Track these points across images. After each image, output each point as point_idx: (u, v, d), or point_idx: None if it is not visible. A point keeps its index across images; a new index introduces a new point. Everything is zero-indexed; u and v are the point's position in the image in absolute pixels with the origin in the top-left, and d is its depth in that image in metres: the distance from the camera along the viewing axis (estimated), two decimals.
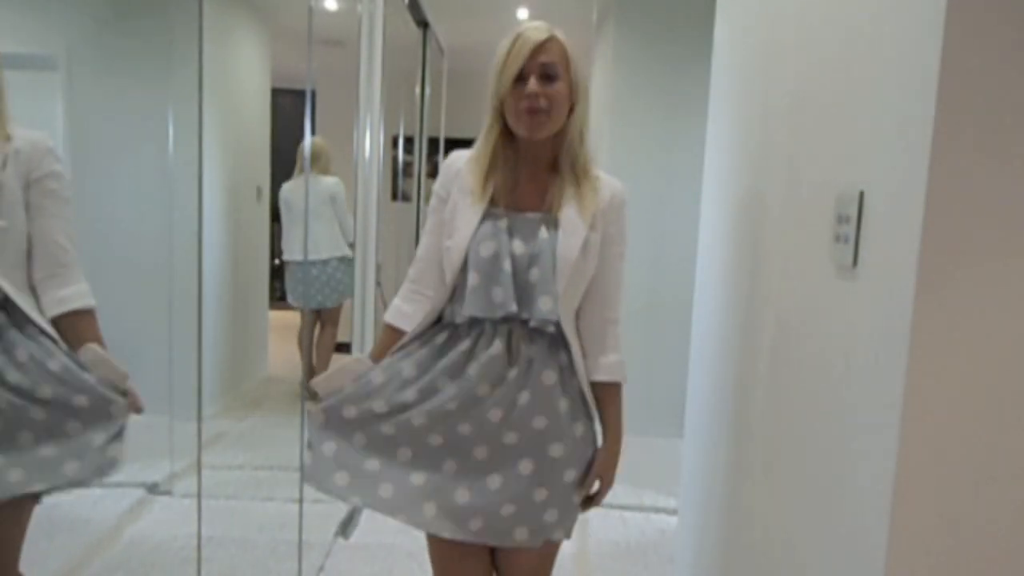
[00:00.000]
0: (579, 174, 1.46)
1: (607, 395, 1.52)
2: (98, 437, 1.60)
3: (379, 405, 1.45)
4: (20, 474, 1.54)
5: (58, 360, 1.56)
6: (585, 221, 1.43)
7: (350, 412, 1.47)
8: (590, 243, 1.44)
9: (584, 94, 1.45)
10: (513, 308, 1.39)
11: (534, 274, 1.40)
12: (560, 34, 1.43)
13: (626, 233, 1.51)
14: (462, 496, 1.42)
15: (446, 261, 1.46)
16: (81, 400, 1.58)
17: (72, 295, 1.62)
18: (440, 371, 1.43)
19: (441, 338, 1.46)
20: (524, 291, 1.41)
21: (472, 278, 1.40)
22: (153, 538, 2.69)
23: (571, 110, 1.44)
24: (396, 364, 1.47)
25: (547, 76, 1.39)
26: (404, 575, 2.53)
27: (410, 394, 1.43)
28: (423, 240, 1.55)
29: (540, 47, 1.39)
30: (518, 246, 1.42)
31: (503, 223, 1.42)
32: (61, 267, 1.62)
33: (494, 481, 1.42)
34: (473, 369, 1.41)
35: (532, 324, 1.40)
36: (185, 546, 2.60)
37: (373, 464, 1.45)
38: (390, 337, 1.54)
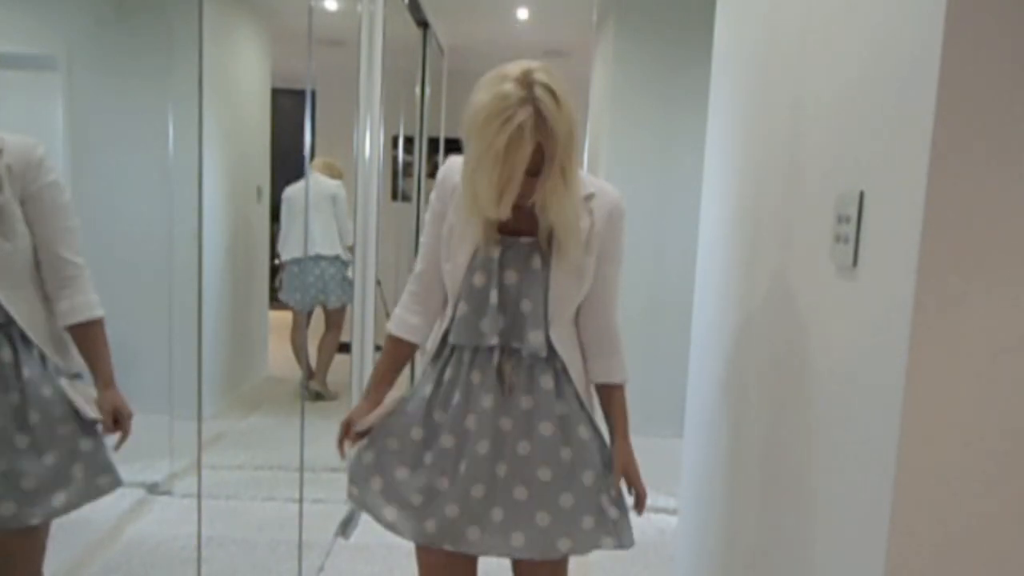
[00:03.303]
0: (571, 198, 1.38)
1: (610, 395, 1.54)
2: (78, 467, 1.63)
3: (416, 432, 1.47)
4: (13, 507, 1.55)
5: (50, 385, 1.59)
6: (580, 248, 1.41)
7: (392, 444, 1.49)
8: (585, 268, 1.42)
9: (572, 143, 1.30)
10: (495, 341, 1.40)
11: (525, 305, 1.41)
12: (549, 94, 1.25)
13: (624, 244, 1.49)
14: (497, 515, 1.43)
15: (447, 284, 1.47)
16: (64, 430, 1.61)
17: (77, 307, 1.63)
18: (448, 383, 1.45)
19: (446, 354, 1.48)
20: (515, 321, 1.42)
21: (461, 308, 1.42)
22: (153, 538, 2.69)
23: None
24: (420, 387, 1.50)
25: (537, 169, 1.30)
26: (404, 575, 2.53)
27: (438, 415, 1.46)
28: (422, 252, 1.54)
29: (526, 153, 1.25)
30: (509, 276, 1.41)
31: (495, 251, 1.41)
32: (68, 279, 1.62)
33: (520, 493, 1.42)
34: (476, 378, 1.42)
35: (524, 353, 1.42)
36: (185, 546, 2.60)
37: (417, 499, 1.45)
38: (398, 349, 1.55)
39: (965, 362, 0.94)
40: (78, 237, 1.65)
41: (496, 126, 1.24)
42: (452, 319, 1.46)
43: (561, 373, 1.46)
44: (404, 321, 1.55)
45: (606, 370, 1.52)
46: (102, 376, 1.67)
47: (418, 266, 1.56)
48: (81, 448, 1.63)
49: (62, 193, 1.61)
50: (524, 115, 1.23)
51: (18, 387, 1.55)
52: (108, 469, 1.69)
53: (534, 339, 1.40)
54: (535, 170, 1.29)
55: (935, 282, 0.93)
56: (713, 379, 1.95)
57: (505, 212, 1.31)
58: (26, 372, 1.56)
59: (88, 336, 1.65)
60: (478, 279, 1.41)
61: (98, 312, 1.66)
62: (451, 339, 1.45)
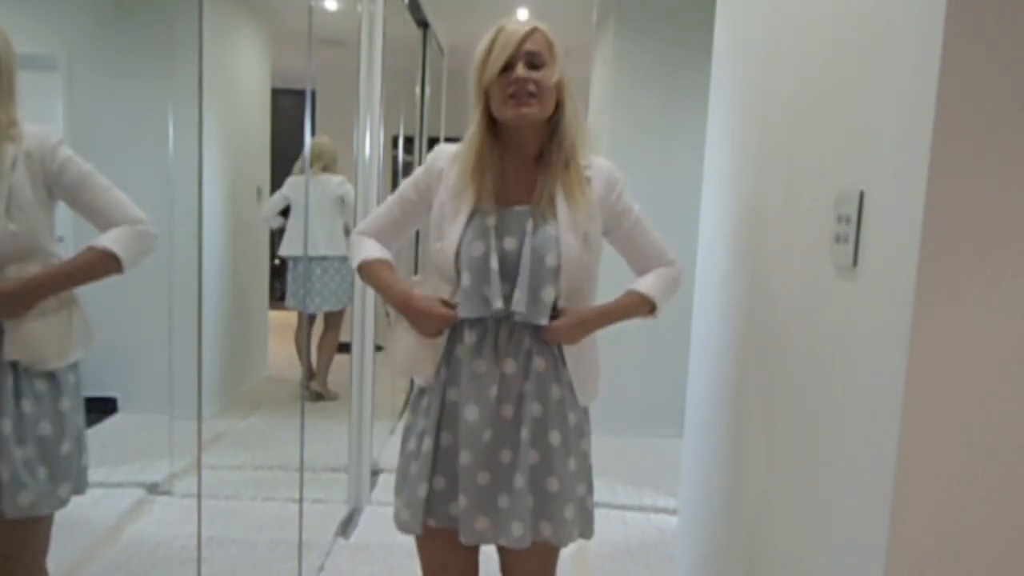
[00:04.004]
0: (569, 166, 1.46)
1: (627, 295, 1.54)
2: (43, 470, 1.59)
3: (426, 423, 1.48)
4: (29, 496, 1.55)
5: (35, 378, 1.58)
6: (582, 214, 1.44)
7: (410, 444, 1.51)
8: (590, 234, 1.45)
9: (571, 86, 1.46)
10: (499, 305, 1.40)
11: (524, 270, 1.41)
12: (544, 27, 1.44)
13: (632, 201, 1.54)
14: (503, 502, 1.44)
15: (439, 264, 1.46)
16: (45, 428, 1.59)
17: (99, 238, 1.61)
18: (453, 371, 1.45)
19: (448, 335, 1.48)
20: (516, 287, 1.41)
21: (465, 279, 1.42)
22: (153, 538, 2.69)
23: (558, 104, 1.45)
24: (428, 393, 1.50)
25: (533, 64, 1.41)
26: (404, 575, 2.53)
27: (436, 410, 1.47)
28: (384, 209, 1.58)
29: (525, 37, 1.41)
30: (508, 242, 1.42)
31: (491, 220, 1.43)
32: (120, 224, 1.63)
33: (519, 480, 1.43)
34: (480, 367, 1.43)
35: (516, 319, 1.41)
36: (185, 546, 2.60)
37: (423, 490, 1.46)
38: (384, 267, 1.54)
39: (965, 362, 0.94)
40: (119, 194, 1.66)
41: (496, 28, 1.43)
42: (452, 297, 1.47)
43: (558, 358, 1.46)
44: (379, 249, 1.56)
45: (643, 282, 1.55)
46: (51, 272, 1.57)
47: (377, 216, 1.58)
48: (53, 451, 1.60)
49: (83, 163, 1.63)
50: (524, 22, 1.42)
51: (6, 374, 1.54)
52: (70, 479, 1.64)
53: (517, 296, 1.39)
54: (538, 61, 1.40)
55: (935, 282, 0.93)
56: (713, 379, 1.95)
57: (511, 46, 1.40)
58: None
59: (84, 253, 1.60)
60: (476, 248, 1.41)
61: (107, 244, 1.59)
62: (462, 312, 1.43)
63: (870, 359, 1.05)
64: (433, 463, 1.46)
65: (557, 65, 1.43)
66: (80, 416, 1.68)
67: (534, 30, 1.42)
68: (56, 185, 1.60)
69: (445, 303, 1.45)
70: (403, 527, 1.49)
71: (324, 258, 4.12)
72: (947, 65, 0.90)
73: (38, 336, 1.56)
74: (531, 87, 1.39)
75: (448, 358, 1.47)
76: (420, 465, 1.46)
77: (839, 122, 1.21)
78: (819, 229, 1.25)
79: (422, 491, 1.45)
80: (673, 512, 2.95)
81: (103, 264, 1.60)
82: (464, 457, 1.43)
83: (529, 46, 1.41)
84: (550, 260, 1.40)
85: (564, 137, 1.46)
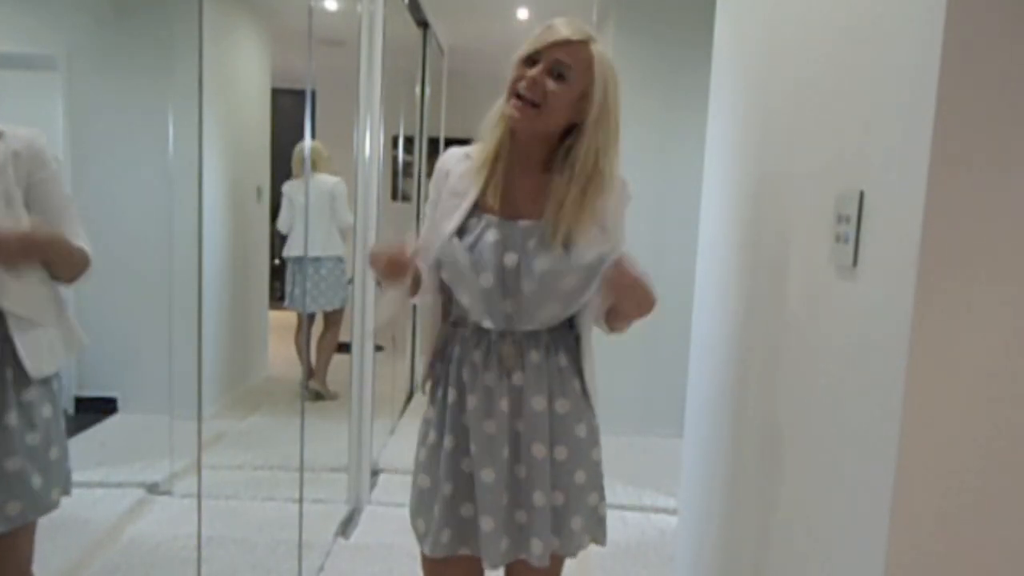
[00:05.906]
0: (581, 184, 1.36)
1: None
2: (37, 477, 1.59)
3: (432, 438, 1.45)
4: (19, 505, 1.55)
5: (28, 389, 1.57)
6: (598, 228, 1.38)
7: (422, 454, 1.48)
8: (589, 259, 1.37)
9: (604, 116, 1.33)
10: (490, 324, 1.38)
11: (528, 286, 1.36)
12: (599, 47, 1.33)
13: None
14: (521, 517, 1.42)
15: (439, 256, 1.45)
16: (33, 438, 1.58)
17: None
18: (467, 388, 1.42)
19: (456, 352, 1.44)
20: (518, 304, 1.38)
21: (478, 281, 1.39)
22: (153, 538, 2.69)
23: (577, 127, 1.35)
24: (439, 400, 1.47)
25: (556, 73, 1.31)
26: (404, 575, 2.53)
27: (453, 424, 1.43)
28: (422, 235, 1.54)
29: (565, 42, 1.30)
30: (509, 258, 1.36)
31: (493, 235, 1.38)
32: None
33: (539, 498, 1.41)
34: (489, 380, 1.40)
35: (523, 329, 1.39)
36: (185, 546, 2.60)
37: (443, 511, 1.43)
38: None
39: (965, 362, 0.94)
40: (79, 222, 1.65)
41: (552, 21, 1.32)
42: (456, 304, 1.44)
43: (566, 368, 1.43)
44: None
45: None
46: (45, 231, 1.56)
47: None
48: (42, 459, 1.59)
49: (61, 182, 1.64)
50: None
51: None
52: (60, 483, 1.64)
53: (518, 313, 1.36)
54: (561, 71, 1.31)
55: (935, 282, 0.93)
56: (713, 379, 1.95)
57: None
58: (9, 373, 1.55)
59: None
60: (481, 255, 1.36)
61: (83, 245, 1.62)
62: (453, 317, 1.43)
63: (870, 359, 1.05)
64: (455, 486, 1.43)
65: (582, 84, 1.31)
66: (61, 422, 1.68)
67: (580, 43, 1.31)
68: (31, 192, 1.58)
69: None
70: (427, 545, 1.45)
71: (317, 259, 4.13)
72: (947, 65, 0.90)
73: (33, 296, 1.56)
74: (536, 94, 1.31)
75: (457, 378, 1.43)
76: (447, 487, 1.43)
77: (839, 122, 1.21)
78: (819, 229, 1.25)
79: (441, 511, 1.43)
80: (673, 512, 2.95)
81: (78, 255, 1.61)
82: (487, 475, 1.39)
83: (561, 54, 1.30)
84: (552, 283, 1.35)
85: (577, 159, 1.35)
